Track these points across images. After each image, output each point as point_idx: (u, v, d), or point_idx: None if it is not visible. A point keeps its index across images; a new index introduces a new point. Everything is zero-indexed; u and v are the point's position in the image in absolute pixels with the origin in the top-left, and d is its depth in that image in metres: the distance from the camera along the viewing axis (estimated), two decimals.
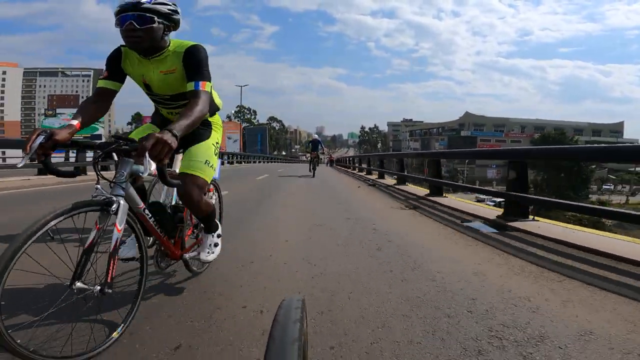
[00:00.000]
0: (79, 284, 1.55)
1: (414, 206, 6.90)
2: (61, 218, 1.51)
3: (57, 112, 40.09)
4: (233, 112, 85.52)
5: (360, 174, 17.57)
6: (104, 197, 1.64)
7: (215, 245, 2.45)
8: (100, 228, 1.61)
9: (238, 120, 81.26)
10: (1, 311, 1.34)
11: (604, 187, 52.05)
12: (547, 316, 2.15)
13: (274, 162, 43.03)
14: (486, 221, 5.17)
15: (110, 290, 1.63)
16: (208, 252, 2.40)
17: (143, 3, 1.85)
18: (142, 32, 1.86)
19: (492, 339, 1.86)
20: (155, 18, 1.89)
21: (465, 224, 5.14)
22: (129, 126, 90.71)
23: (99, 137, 36.72)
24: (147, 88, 2.15)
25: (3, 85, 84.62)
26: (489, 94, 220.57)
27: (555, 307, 2.30)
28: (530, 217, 5.16)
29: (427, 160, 10.93)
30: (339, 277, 2.77)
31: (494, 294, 2.48)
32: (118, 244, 1.68)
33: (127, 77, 2.12)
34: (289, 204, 6.88)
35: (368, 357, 1.70)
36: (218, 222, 2.51)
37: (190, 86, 1.93)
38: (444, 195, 7.97)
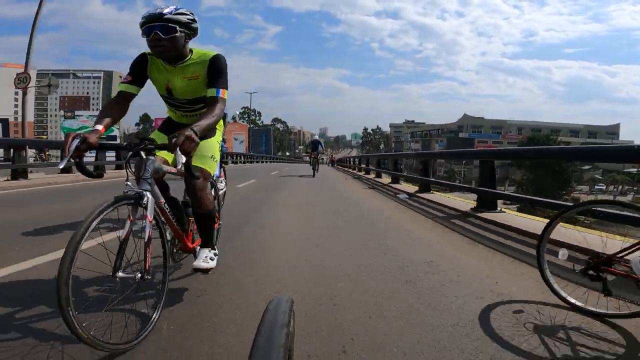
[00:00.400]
0: (120, 274, 1.64)
1: (394, 194, 7.73)
2: (108, 211, 1.61)
3: (75, 114, 40.88)
4: (238, 113, 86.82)
5: (360, 173, 18.35)
6: (135, 192, 1.74)
7: (211, 259, 2.28)
8: (133, 220, 1.72)
9: (243, 122, 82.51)
10: (72, 304, 1.41)
11: (596, 187, 52.63)
12: (427, 244, 3.71)
13: (278, 162, 44.18)
14: (459, 212, 5.97)
15: (149, 277, 1.73)
16: (202, 261, 2.22)
17: (166, 14, 1.99)
18: (167, 41, 2.01)
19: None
20: (177, 27, 2.02)
21: (438, 214, 5.96)
22: (137, 127, 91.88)
23: (114, 137, 37.41)
24: (169, 92, 2.26)
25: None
26: (493, 95, 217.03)
27: (440, 246, 3.37)
28: (499, 209, 5.95)
29: (416, 160, 11.69)
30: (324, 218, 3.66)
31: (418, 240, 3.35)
32: (151, 233, 1.76)
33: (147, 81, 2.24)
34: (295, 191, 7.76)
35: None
36: (215, 239, 2.49)
37: (212, 92, 2.11)
38: (431, 192, 8.77)
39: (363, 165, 19.40)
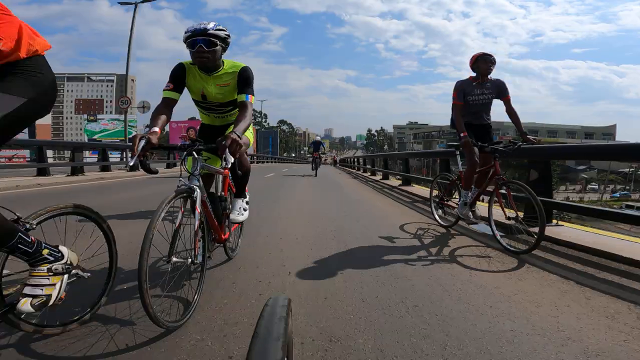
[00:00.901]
0: (174, 259, 1.77)
1: (380, 187, 8.74)
2: (172, 202, 1.80)
3: (97, 117, 42.58)
4: None
5: (357, 172, 19.55)
6: (187, 186, 1.95)
7: (245, 210, 2.72)
8: (185, 211, 1.87)
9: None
10: (145, 288, 1.55)
11: (589, 186, 52.99)
12: (385, 214, 4.54)
13: (283, 162, 45.60)
14: (426, 199, 6.96)
15: (197, 262, 1.92)
16: (237, 213, 2.65)
17: (209, 30, 2.24)
18: (209, 53, 2.27)
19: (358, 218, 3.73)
20: (218, 42, 2.28)
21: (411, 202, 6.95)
22: (146, 128, 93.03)
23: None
24: (203, 98, 2.51)
25: None
26: None
27: (382, 204, 4.20)
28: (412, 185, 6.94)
29: (398, 160, 12.69)
30: (321, 198, 4.67)
31: (381, 212, 4.35)
32: (199, 223, 1.94)
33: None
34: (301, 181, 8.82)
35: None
36: (247, 193, 2.82)
37: (242, 97, 2.35)
38: (411, 185, 9.76)
39: (357, 164, 21.42)
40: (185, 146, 2.06)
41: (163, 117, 2.17)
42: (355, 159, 24.38)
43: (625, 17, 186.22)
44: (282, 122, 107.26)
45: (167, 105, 2.30)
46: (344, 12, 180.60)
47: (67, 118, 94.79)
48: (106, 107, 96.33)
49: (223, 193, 2.63)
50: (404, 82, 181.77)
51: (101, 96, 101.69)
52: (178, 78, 2.39)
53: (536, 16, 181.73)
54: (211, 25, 2.28)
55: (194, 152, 2.05)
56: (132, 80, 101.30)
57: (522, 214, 3.50)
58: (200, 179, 2.09)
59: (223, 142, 1.88)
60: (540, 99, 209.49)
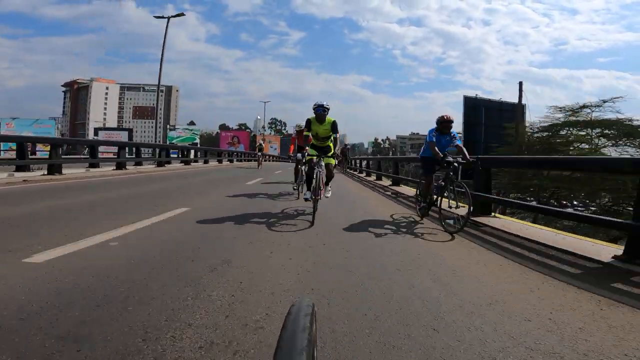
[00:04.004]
0: (307, 194, 4.39)
1: (372, 187, 9.53)
2: (303, 168, 5.09)
3: (175, 127, 50.09)
4: (268, 123, 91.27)
5: (354, 172, 20.24)
6: (316, 170, 4.35)
7: (329, 191, 4.90)
8: (319, 171, 4.36)
9: (272, 131, 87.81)
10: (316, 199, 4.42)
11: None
12: (365, 197, 4.88)
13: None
14: (409, 196, 7.72)
15: (320, 197, 4.35)
16: (327, 194, 4.82)
17: (325, 105, 4.58)
18: (324, 115, 4.61)
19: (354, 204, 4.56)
20: (327, 110, 4.62)
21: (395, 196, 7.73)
22: (173, 130, 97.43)
23: (197, 144, 46.01)
24: (316, 133, 4.72)
25: (106, 98, 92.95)
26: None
27: (378, 206, 4.96)
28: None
29: (391, 163, 13.41)
30: None
31: (363, 199, 5.17)
32: (317, 184, 4.31)
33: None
34: None
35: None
36: (330, 184, 4.93)
37: (334, 134, 4.71)
38: (400, 185, 10.49)
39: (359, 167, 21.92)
40: (319, 155, 4.56)
41: (307, 142, 4.69)
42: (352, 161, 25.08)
43: None
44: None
45: (307, 138, 4.68)
46: (362, 18, 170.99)
47: (126, 122, 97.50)
48: (158, 113, 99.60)
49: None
50: (420, 89, 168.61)
51: (152, 104, 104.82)
52: (309, 124, 4.71)
53: (560, 24, 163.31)
54: (325, 102, 4.59)
55: (321, 157, 4.52)
56: (177, 90, 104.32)
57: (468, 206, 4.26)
58: (323, 166, 4.46)
59: (337, 154, 4.55)
60: None
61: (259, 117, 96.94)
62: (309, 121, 4.68)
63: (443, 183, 4.40)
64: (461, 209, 4.13)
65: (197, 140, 51.50)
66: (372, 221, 4.50)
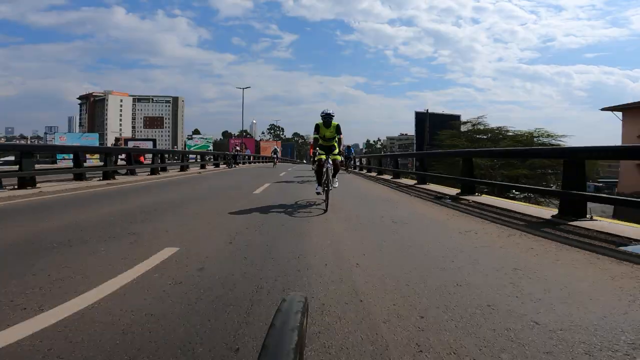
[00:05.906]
0: (320, 188, 4.97)
1: (375, 179, 10.83)
2: (327, 166, 4.90)
3: (192, 136, 53.36)
4: (266, 128, 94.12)
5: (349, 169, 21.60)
6: (329, 163, 4.93)
7: (336, 182, 5.26)
8: (327, 167, 4.87)
9: (270, 136, 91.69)
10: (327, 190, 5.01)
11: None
12: (365, 186, 6.20)
13: (295, 163, 49.94)
14: (407, 185, 8.97)
15: (326, 189, 4.79)
16: (334, 185, 5.15)
17: (331, 112, 5.06)
18: (330, 120, 5.08)
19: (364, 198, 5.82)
20: (333, 116, 5.09)
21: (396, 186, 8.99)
22: (189, 139, 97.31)
23: (211, 150, 48.44)
24: (323, 135, 5.06)
25: (121, 110, 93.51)
26: (511, 102, 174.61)
27: (385, 194, 6.22)
28: (428, 183, 8.90)
29: (388, 159, 14.66)
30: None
31: (371, 189, 6.42)
32: (326, 177, 4.84)
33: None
34: None
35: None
36: (337, 177, 5.31)
37: (338, 135, 5.16)
38: (400, 178, 11.76)
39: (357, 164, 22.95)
40: (326, 154, 5.04)
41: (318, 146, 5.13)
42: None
43: (637, 22, 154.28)
44: (296, 135, 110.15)
45: (316, 140, 5.14)
46: (353, 20, 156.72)
47: (138, 131, 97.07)
48: (165, 123, 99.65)
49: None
50: (413, 89, 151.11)
51: (161, 114, 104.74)
52: (317, 128, 5.14)
53: (547, 21, 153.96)
54: (331, 110, 5.05)
55: (327, 156, 5.01)
56: (182, 100, 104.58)
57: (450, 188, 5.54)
58: (331, 163, 4.95)
59: (342, 151, 5.16)
60: (553, 104, 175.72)
61: (254, 122, 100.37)
62: (317, 126, 5.13)
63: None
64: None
65: (211, 147, 53.16)
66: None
